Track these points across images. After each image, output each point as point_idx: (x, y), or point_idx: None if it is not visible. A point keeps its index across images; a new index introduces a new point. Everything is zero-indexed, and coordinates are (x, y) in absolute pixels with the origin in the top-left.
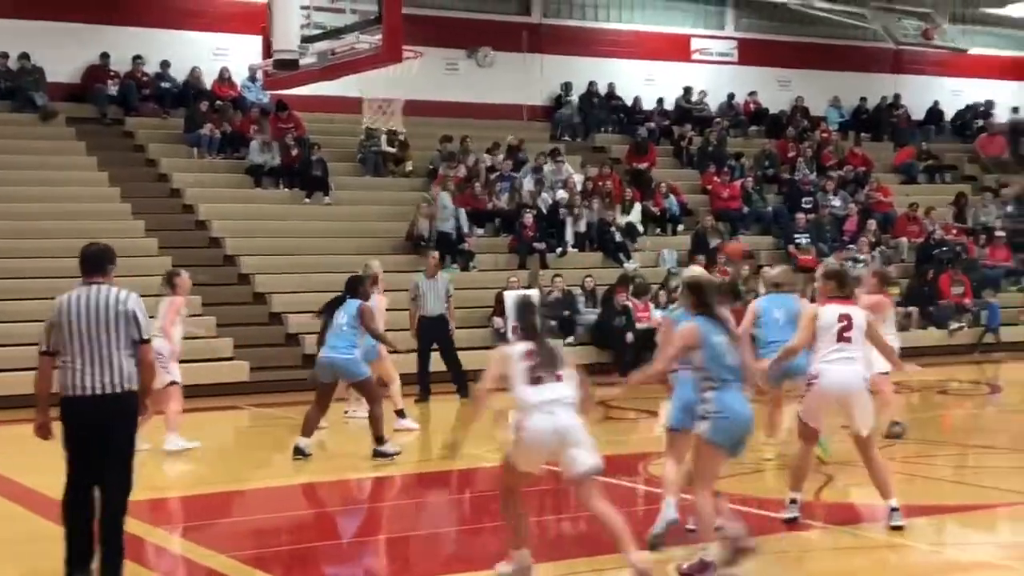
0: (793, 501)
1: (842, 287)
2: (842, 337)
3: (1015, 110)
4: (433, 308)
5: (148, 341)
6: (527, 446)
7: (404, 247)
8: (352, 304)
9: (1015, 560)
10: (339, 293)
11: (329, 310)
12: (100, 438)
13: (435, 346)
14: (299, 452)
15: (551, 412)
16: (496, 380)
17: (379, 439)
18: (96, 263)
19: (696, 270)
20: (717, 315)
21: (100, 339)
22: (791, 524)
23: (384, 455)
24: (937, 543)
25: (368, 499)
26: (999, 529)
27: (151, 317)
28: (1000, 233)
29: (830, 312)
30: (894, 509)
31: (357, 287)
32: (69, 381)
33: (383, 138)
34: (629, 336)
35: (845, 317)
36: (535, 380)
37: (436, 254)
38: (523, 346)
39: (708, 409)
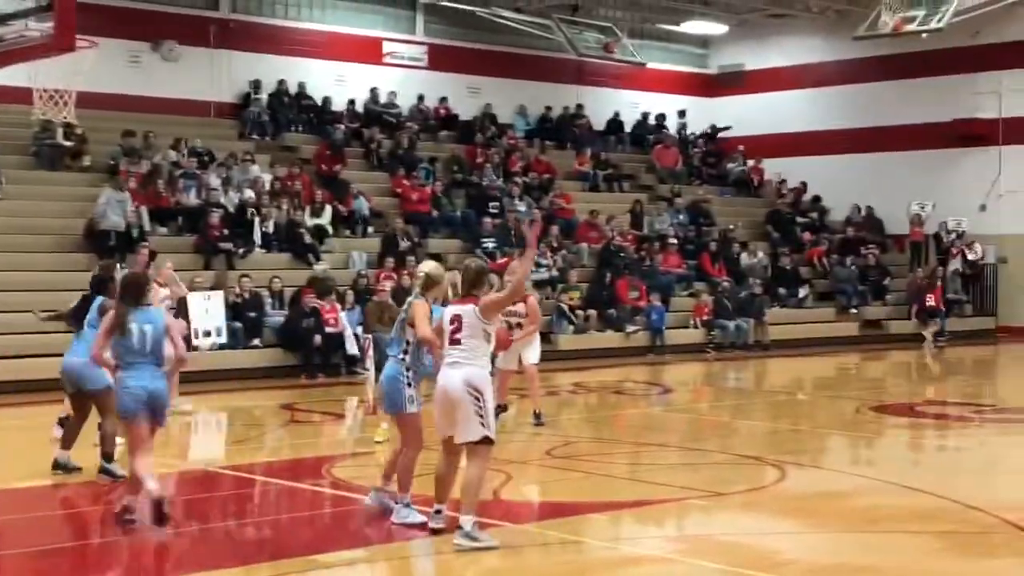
0: (438, 511)
1: (468, 287)
2: (452, 340)
3: (682, 114)
4: None
5: None
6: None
7: (81, 244)
8: (95, 302)
9: (682, 553)
10: (86, 293)
11: (77, 314)
12: None
13: None
14: (58, 466)
15: None
16: None
17: (107, 456)
18: None
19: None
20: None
21: None
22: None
23: (112, 475)
24: (612, 539)
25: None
26: (669, 523)
27: None
28: (673, 240)
29: (445, 314)
30: (438, 511)
31: (102, 285)
32: None
33: (59, 131)
34: (317, 338)
35: (456, 319)
36: None
37: (147, 248)
38: None
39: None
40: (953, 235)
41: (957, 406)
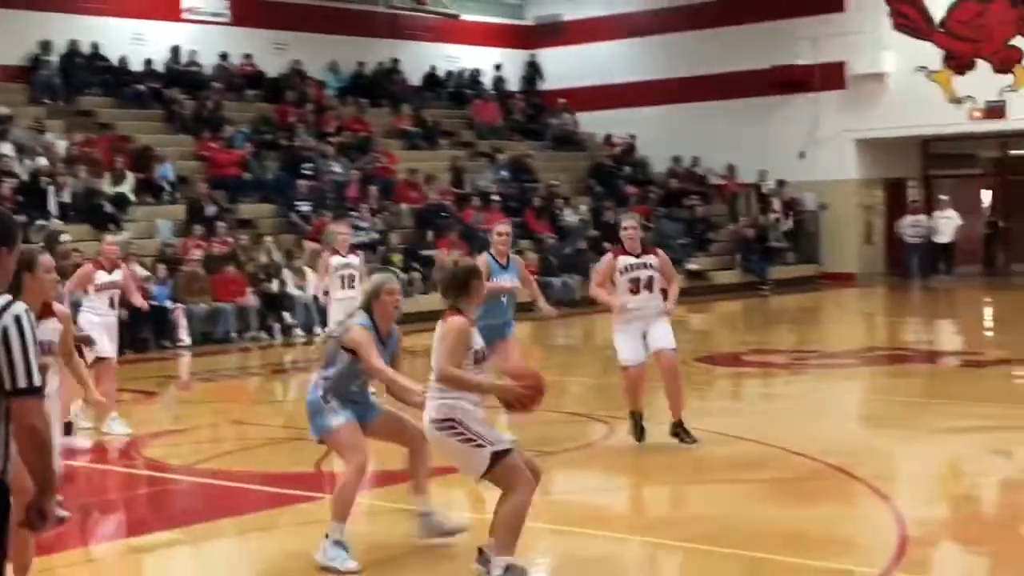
0: None
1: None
2: None
3: (498, 67)
4: None
5: (31, 391)
6: None
7: None
8: None
9: None
10: None
11: None
12: None
13: None
14: None
15: None
16: None
17: None
18: None
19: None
20: None
21: None
22: None
23: None
24: (440, 504)
25: None
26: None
27: None
28: (496, 198)
29: None
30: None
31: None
32: None
33: None
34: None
35: None
36: None
37: None
38: None
39: None
40: (773, 184)
41: (782, 354)
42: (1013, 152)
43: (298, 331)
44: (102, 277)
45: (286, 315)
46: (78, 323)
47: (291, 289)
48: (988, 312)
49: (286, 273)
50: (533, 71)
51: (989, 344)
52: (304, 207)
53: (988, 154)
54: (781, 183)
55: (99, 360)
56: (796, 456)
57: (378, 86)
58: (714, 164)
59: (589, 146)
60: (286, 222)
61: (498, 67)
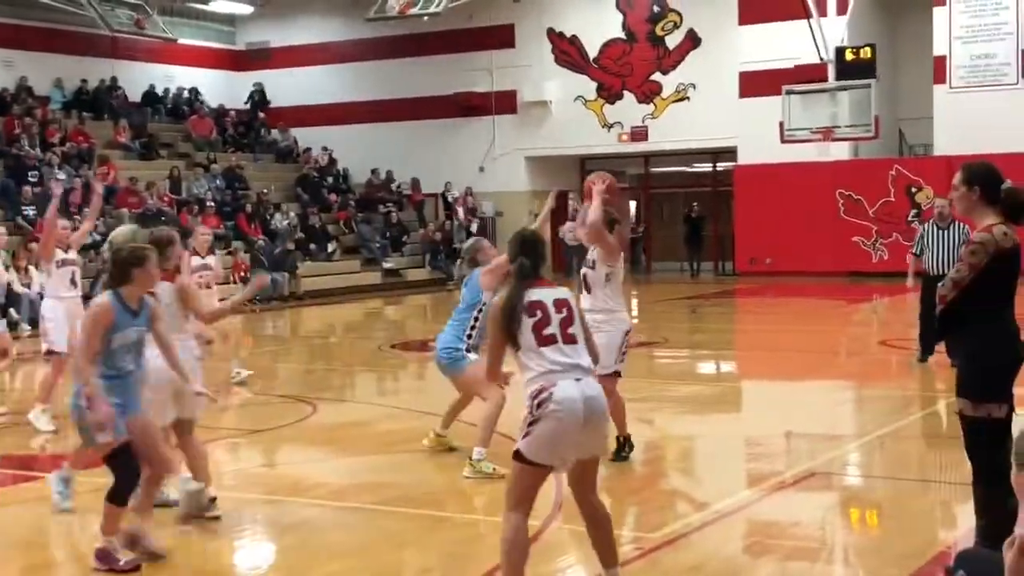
0: None
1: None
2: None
3: (206, 88)
4: None
5: None
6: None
7: None
8: None
9: (220, 488)
10: None
11: None
12: None
13: None
14: None
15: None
16: None
17: None
18: None
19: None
20: None
21: None
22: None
23: None
24: None
25: None
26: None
27: None
28: (211, 204)
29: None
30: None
31: None
32: None
33: None
34: None
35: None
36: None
37: None
38: None
39: None
40: (456, 194)
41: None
42: (654, 170)
43: (24, 325)
44: (196, 262)
45: (11, 311)
46: None
47: (17, 287)
48: (632, 303)
49: (12, 272)
50: (250, 91)
51: (633, 329)
52: (29, 212)
53: (634, 171)
54: (467, 192)
55: None
56: (473, 427)
57: (100, 101)
58: (406, 176)
59: (301, 159)
60: (12, 225)
61: (199, 90)
